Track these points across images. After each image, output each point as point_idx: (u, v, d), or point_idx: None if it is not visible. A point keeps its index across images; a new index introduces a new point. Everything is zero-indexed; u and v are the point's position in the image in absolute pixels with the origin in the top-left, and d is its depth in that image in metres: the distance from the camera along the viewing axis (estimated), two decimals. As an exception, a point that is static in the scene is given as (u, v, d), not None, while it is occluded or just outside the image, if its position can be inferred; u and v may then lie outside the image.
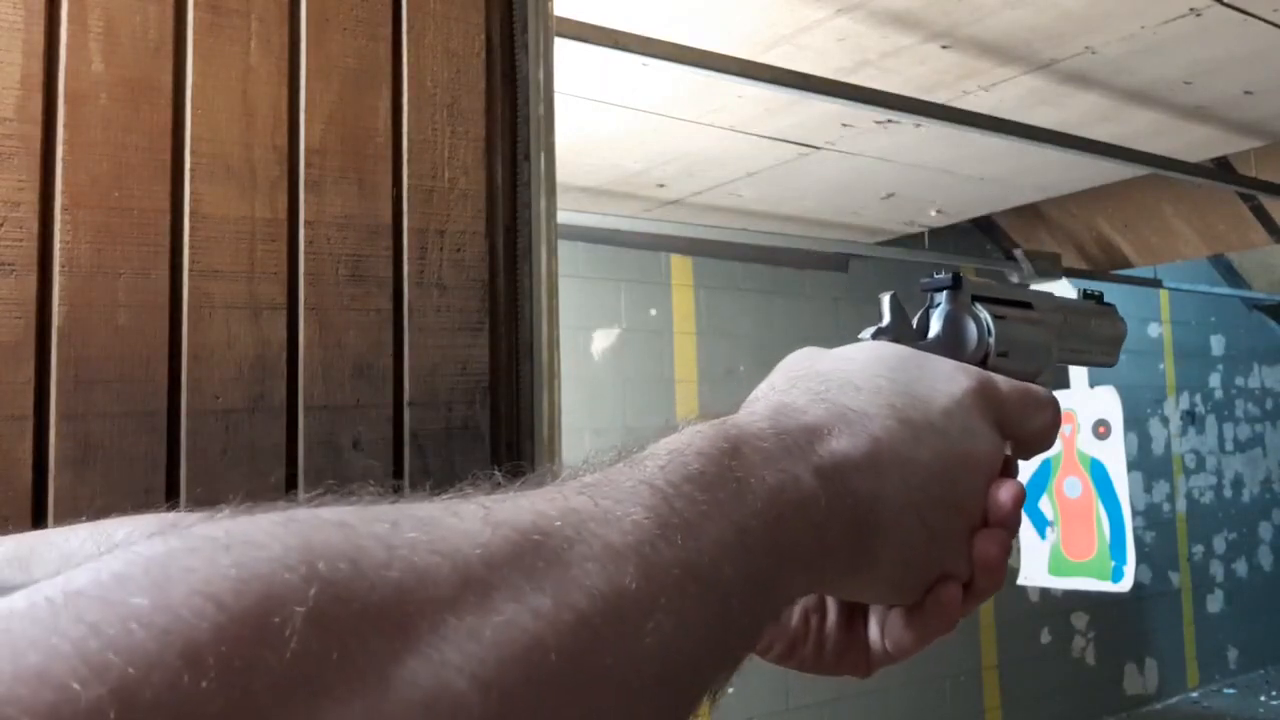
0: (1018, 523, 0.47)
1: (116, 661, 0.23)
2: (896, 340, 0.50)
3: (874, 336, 0.51)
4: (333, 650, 0.26)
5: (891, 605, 0.47)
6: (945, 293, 0.54)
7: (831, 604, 0.49)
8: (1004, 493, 0.46)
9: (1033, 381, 0.56)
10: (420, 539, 0.30)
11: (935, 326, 0.54)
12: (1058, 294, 0.64)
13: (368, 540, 0.29)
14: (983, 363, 0.54)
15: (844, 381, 0.45)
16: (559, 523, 0.32)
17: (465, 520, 0.31)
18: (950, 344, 0.53)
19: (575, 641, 0.30)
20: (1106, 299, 0.67)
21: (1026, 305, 0.58)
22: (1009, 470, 0.48)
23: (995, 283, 0.58)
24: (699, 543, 0.35)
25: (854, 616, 0.49)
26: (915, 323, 0.54)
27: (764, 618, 0.38)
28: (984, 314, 0.55)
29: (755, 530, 0.37)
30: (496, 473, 0.39)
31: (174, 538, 0.27)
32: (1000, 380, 0.49)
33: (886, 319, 0.51)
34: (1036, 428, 0.51)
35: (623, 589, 0.32)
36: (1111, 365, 0.68)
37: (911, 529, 0.43)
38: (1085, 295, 0.66)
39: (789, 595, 0.40)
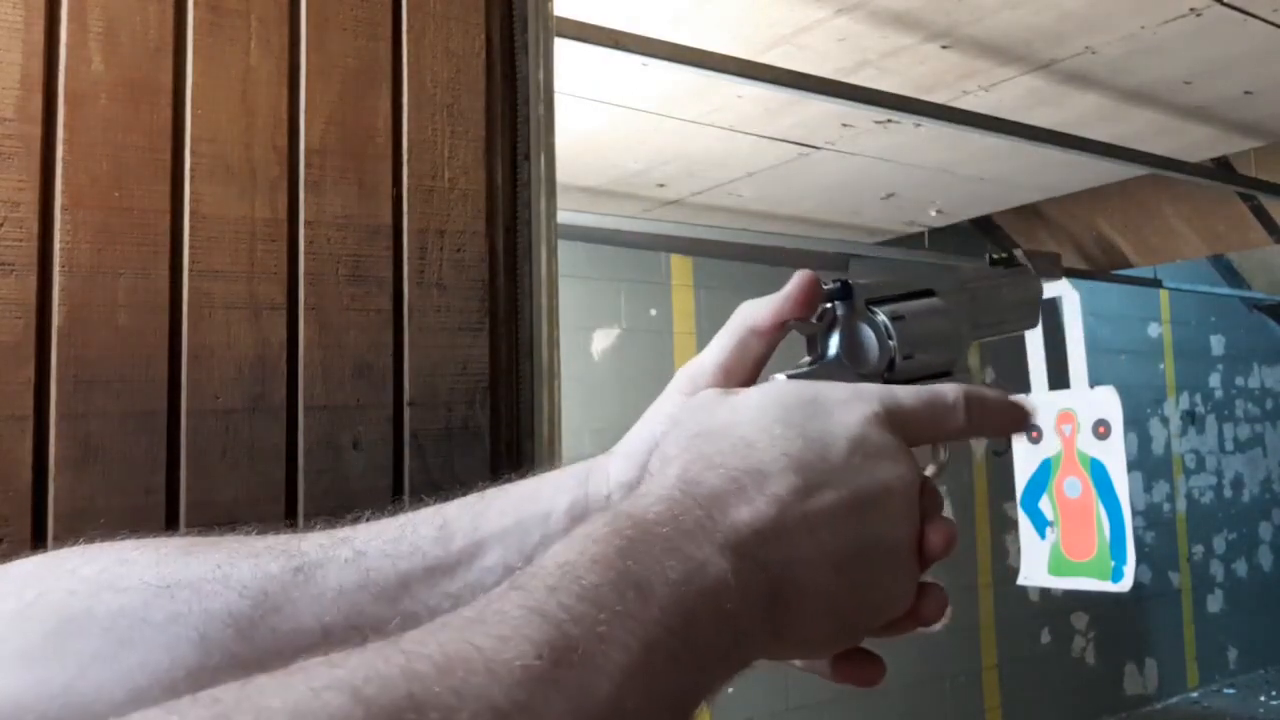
0: (946, 556, 0.45)
1: None
2: (792, 372, 0.48)
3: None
4: None
5: (826, 655, 0.45)
6: (836, 303, 0.51)
7: None
8: (936, 537, 0.44)
9: (947, 369, 0.53)
10: (289, 705, 0.28)
11: (833, 342, 0.51)
12: (961, 269, 0.58)
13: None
14: (889, 367, 0.51)
15: (737, 439, 0.42)
16: (437, 688, 0.30)
17: (333, 704, 0.29)
18: (851, 358, 0.51)
19: None
20: (1019, 257, 0.62)
21: (927, 293, 0.54)
22: (928, 490, 0.46)
23: (888, 279, 0.54)
24: (598, 679, 0.32)
25: None
26: (816, 342, 0.51)
27: (688, 713, 0.36)
28: (881, 317, 0.52)
29: (663, 643, 0.35)
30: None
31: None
32: (902, 395, 0.46)
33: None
34: (953, 428, 0.47)
35: None
36: (1032, 327, 0.63)
37: (830, 584, 0.41)
38: (993, 260, 0.61)
39: (705, 694, 0.38)
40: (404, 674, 0.30)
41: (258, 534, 0.51)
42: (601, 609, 0.34)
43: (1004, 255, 0.62)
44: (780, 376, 0.49)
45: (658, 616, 0.35)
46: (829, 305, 0.51)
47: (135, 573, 0.46)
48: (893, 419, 0.45)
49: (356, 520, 0.51)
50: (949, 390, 0.48)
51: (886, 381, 0.51)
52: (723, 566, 0.38)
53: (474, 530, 0.49)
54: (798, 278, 0.50)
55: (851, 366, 0.50)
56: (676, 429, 0.45)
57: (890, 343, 0.51)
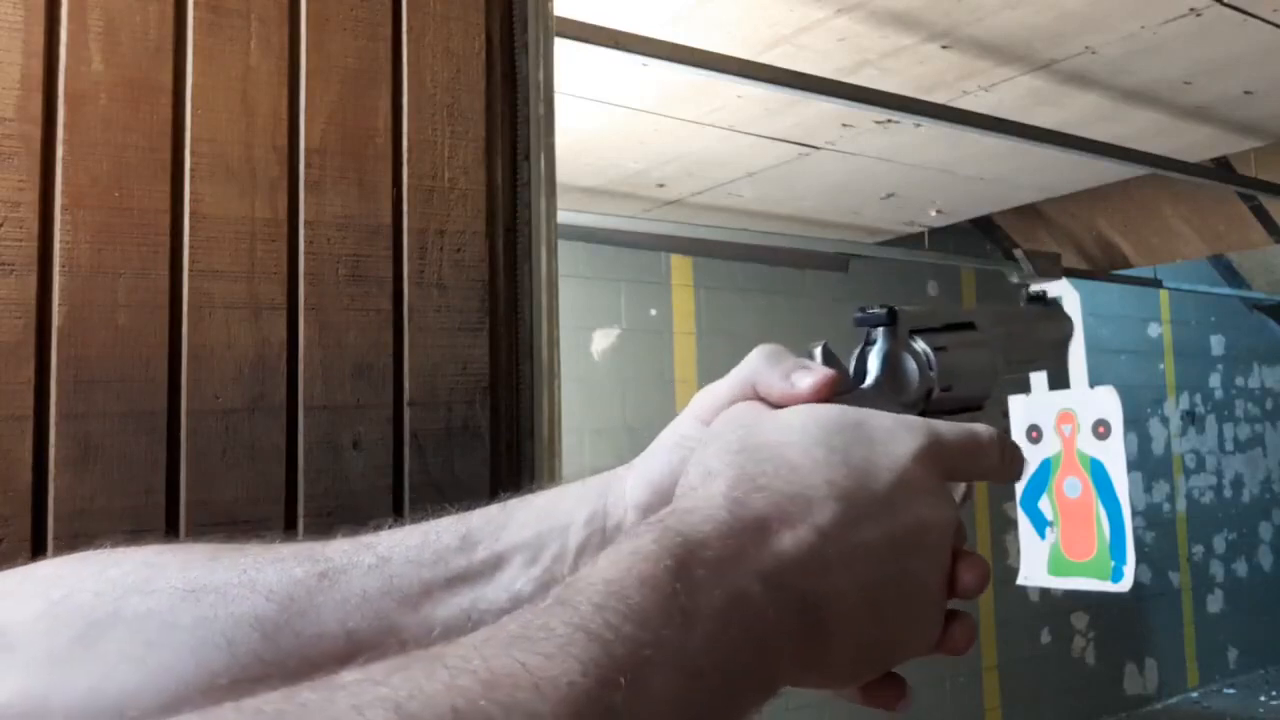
0: (979, 594, 0.45)
1: None
2: (834, 393, 0.48)
3: None
4: None
5: (847, 688, 0.45)
6: (881, 330, 0.51)
7: None
8: (969, 575, 0.44)
9: (980, 403, 0.54)
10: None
11: (873, 368, 0.51)
12: (998, 305, 0.61)
13: None
14: (926, 397, 0.51)
15: (780, 460, 0.42)
16: (483, 703, 0.30)
17: (375, 718, 0.29)
18: (891, 385, 0.51)
19: None
20: (1052, 293, 0.63)
21: (968, 326, 0.55)
22: (961, 534, 0.46)
23: (932, 309, 0.54)
24: (642, 703, 0.32)
25: None
26: (854, 363, 0.51)
27: None
28: (923, 347, 0.52)
29: (705, 671, 0.35)
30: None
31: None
32: (944, 430, 0.46)
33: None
34: (985, 470, 0.48)
35: None
36: (1059, 366, 0.64)
37: (864, 619, 0.41)
38: (1030, 299, 0.62)
39: (743, 713, 0.38)
40: (448, 690, 0.30)
41: (280, 541, 0.51)
42: (647, 631, 0.33)
43: (1041, 293, 0.63)
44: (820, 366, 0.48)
45: (701, 646, 0.35)
46: (876, 328, 0.52)
47: (162, 576, 0.46)
48: (935, 455, 0.45)
49: (379, 527, 0.51)
50: (985, 432, 0.48)
51: (923, 412, 0.51)
52: (763, 597, 0.37)
53: (496, 541, 0.49)
54: (822, 379, 0.48)
55: (891, 394, 0.50)
56: (718, 441, 0.45)
57: (931, 373, 0.52)
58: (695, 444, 0.47)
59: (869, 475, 0.42)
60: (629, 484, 0.50)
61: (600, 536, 0.49)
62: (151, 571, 0.47)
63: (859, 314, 0.52)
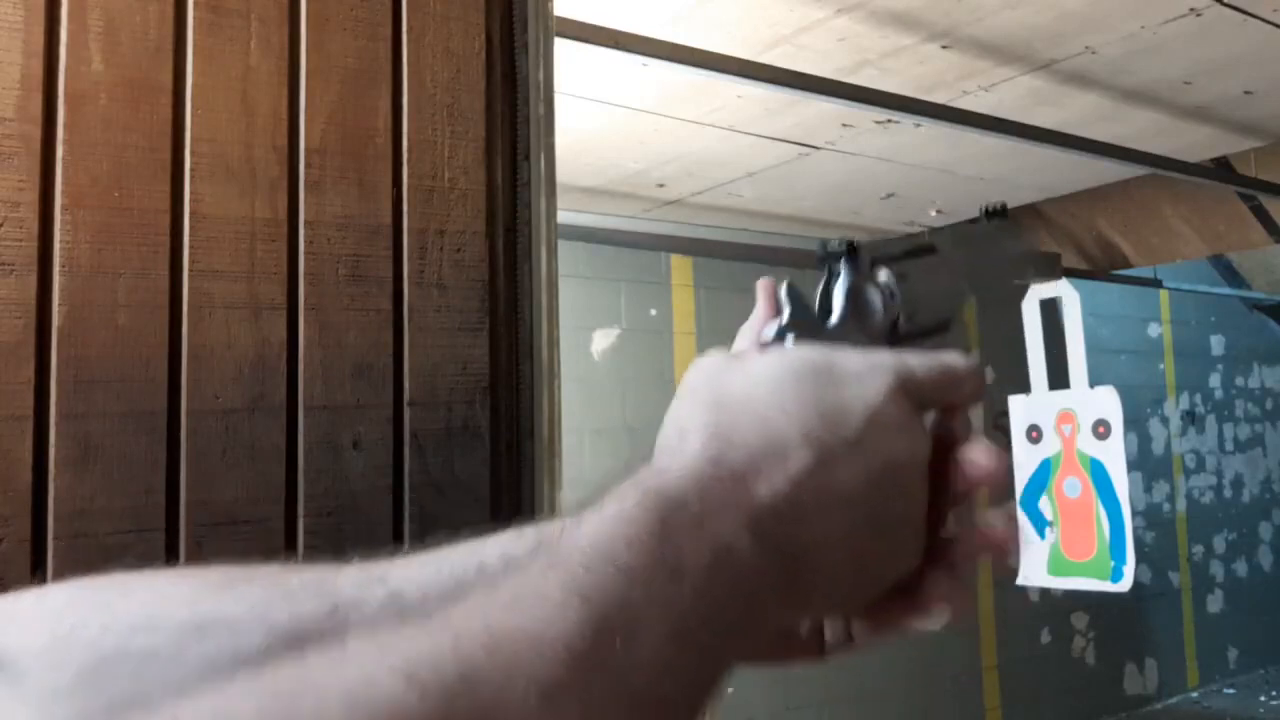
0: (1000, 477, 0.45)
1: None
2: (800, 334, 0.48)
3: (776, 334, 0.49)
4: None
5: (838, 617, 0.47)
6: (843, 263, 0.52)
7: None
8: (979, 454, 0.45)
9: (946, 325, 0.54)
10: (338, 689, 0.30)
11: (838, 304, 0.51)
12: (957, 226, 0.61)
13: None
14: (893, 327, 0.52)
15: (752, 413, 0.43)
16: (487, 668, 0.31)
17: (386, 686, 0.30)
18: (856, 319, 0.51)
19: None
20: (1005, 211, 0.64)
21: (929, 250, 0.55)
22: (959, 434, 0.46)
23: (893, 239, 0.56)
24: (635, 661, 0.34)
25: None
26: (818, 300, 0.52)
27: (704, 696, 0.38)
28: (886, 277, 0.52)
29: (693, 626, 0.36)
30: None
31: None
32: (914, 364, 0.47)
33: (787, 312, 0.49)
34: (960, 399, 0.48)
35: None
36: (1027, 280, 0.65)
37: (843, 559, 0.42)
38: (989, 213, 0.63)
39: (727, 670, 0.40)
40: (454, 654, 0.31)
41: (296, 564, 0.51)
42: (637, 590, 0.35)
43: (999, 208, 0.63)
44: (769, 332, 0.49)
45: (690, 601, 0.36)
46: (836, 261, 0.52)
47: (170, 611, 0.46)
48: (906, 390, 0.45)
49: (394, 554, 0.51)
50: (955, 360, 0.48)
51: (891, 341, 0.51)
52: (746, 549, 0.38)
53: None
54: (760, 287, 0.51)
55: (857, 328, 0.51)
56: (690, 398, 0.45)
57: (894, 302, 0.52)
58: None
59: (840, 420, 0.43)
60: None
61: None
62: (160, 606, 0.47)
63: (820, 251, 0.52)
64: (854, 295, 0.52)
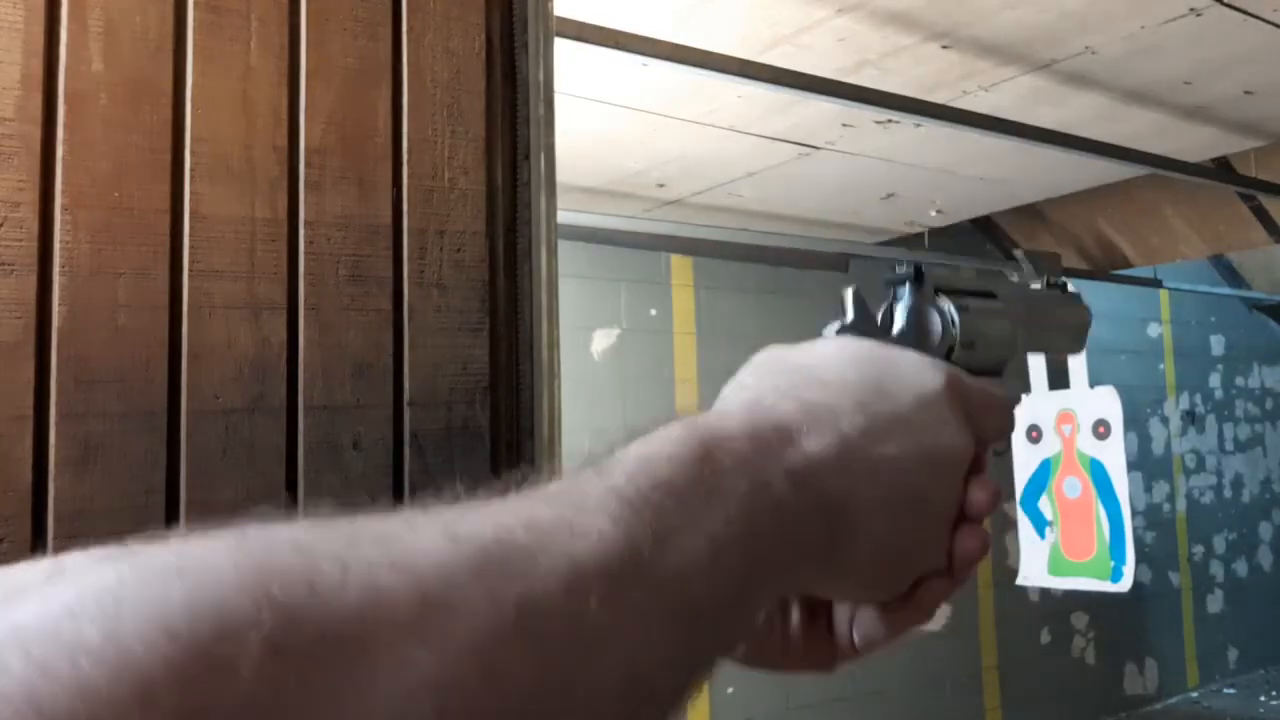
0: (989, 514, 0.47)
1: (64, 701, 0.22)
2: (861, 336, 0.50)
3: (838, 333, 0.50)
4: (289, 679, 0.25)
5: (863, 602, 0.47)
6: (907, 285, 0.54)
7: (794, 602, 0.49)
8: (980, 491, 0.46)
9: (999, 372, 0.56)
10: (378, 557, 0.29)
11: (899, 320, 0.53)
12: (1020, 283, 0.63)
13: (324, 560, 0.29)
14: (948, 355, 0.53)
15: (811, 378, 0.44)
16: (522, 536, 0.32)
17: (424, 535, 0.31)
18: (915, 337, 0.53)
19: (537, 663, 0.30)
20: (1071, 288, 0.66)
21: (989, 295, 0.57)
22: (980, 464, 0.48)
23: (957, 272, 0.57)
24: (667, 558, 0.34)
25: (816, 613, 0.48)
26: (879, 317, 0.53)
27: (735, 630, 0.38)
28: (947, 305, 0.54)
29: (727, 541, 0.36)
30: (459, 488, 0.39)
31: (124, 563, 0.26)
32: (966, 377, 0.49)
33: (850, 315, 0.51)
34: (990, 428, 0.50)
35: (586, 608, 0.31)
36: (1077, 352, 0.67)
37: (883, 528, 0.42)
38: (1050, 285, 0.65)
39: (761, 604, 0.40)
40: (493, 525, 0.32)
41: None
42: (674, 499, 0.35)
43: (1061, 282, 0.65)
44: (830, 330, 0.51)
45: (724, 523, 0.36)
46: (900, 286, 0.54)
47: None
48: (958, 395, 0.47)
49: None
50: (998, 391, 0.51)
51: None
52: (786, 488, 0.39)
53: None
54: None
55: (914, 345, 0.52)
56: (753, 366, 0.47)
57: (953, 330, 0.54)
58: None
59: (896, 400, 0.44)
60: None
61: None
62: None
63: (887, 274, 0.54)
64: (915, 315, 0.53)
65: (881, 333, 0.52)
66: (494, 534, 0.31)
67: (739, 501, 0.37)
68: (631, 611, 0.33)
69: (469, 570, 0.30)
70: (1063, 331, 0.65)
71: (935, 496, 0.44)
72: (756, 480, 0.38)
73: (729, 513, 0.37)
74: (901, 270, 0.54)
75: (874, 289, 0.55)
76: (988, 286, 0.57)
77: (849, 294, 0.51)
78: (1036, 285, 0.64)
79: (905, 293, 0.54)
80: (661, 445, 0.38)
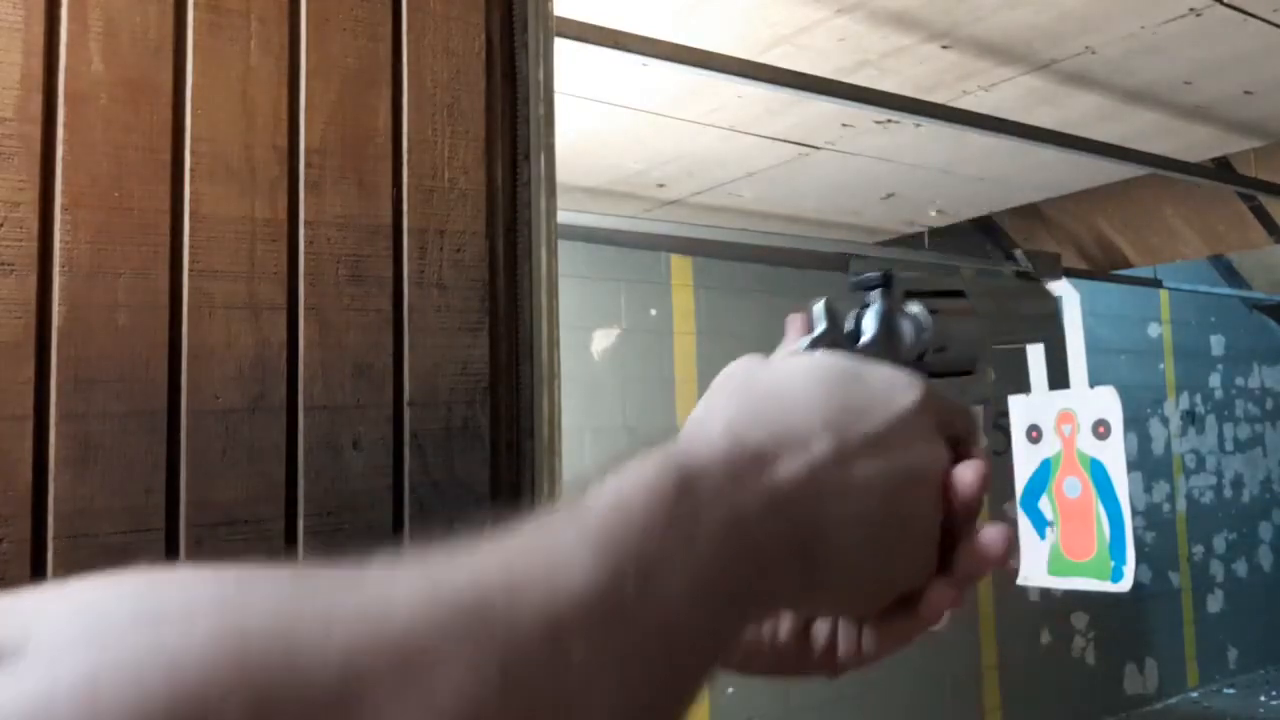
0: (978, 495, 0.47)
1: None
2: (832, 347, 0.50)
3: (809, 347, 0.50)
4: None
5: (845, 618, 0.47)
6: (878, 291, 0.53)
7: (785, 614, 0.49)
8: (968, 473, 0.46)
9: (971, 370, 0.56)
10: (358, 615, 0.30)
11: (870, 327, 0.53)
12: (983, 275, 0.63)
13: (306, 623, 0.29)
14: (919, 359, 0.53)
15: (781, 402, 0.44)
16: (500, 591, 0.32)
17: (403, 591, 0.31)
18: (886, 344, 0.52)
19: (522, 717, 0.30)
20: (1038, 280, 0.66)
21: (959, 294, 0.57)
22: (966, 454, 0.47)
23: (926, 274, 0.57)
24: (648, 600, 0.34)
25: (812, 623, 0.49)
26: (851, 324, 0.53)
27: (713, 662, 0.38)
28: (918, 310, 0.54)
29: (707, 577, 0.36)
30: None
31: (98, 646, 0.27)
32: (937, 386, 0.48)
33: (821, 327, 0.50)
34: (969, 436, 0.49)
35: (569, 660, 0.32)
36: (1043, 341, 0.67)
37: (858, 550, 0.42)
38: (1018, 274, 0.65)
39: (741, 630, 0.40)
40: (470, 579, 0.32)
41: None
42: (652, 544, 0.36)
43: (1026, 270, 0.65)
44: (801, 344, 0.50)
45: (703, 561, 0.37)
46: (870, 292, 0.53)
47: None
48: (929, 406, 0.47)
49: (396, 553, 0.51)
50: (973, 411, 0.50)
51: (916, 370, 0.53)
52: (761, 521, 0.39)
53: None
54: (789, 322, 0.52)
55: (886, 353, 0.52)
56: (720, 390, 0.47)
57: (925, 335, 0.53)
58: None
59: (865, 418, 0.44)
60: None
61: None
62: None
63: (854, 278, 0.54)
64: (886, 321, 0.53)
65: (852, 342, 0.52)
66: (473, 588, 0.32)
67: (716, 538, 0.37)
68: (614, 655, 0.33)
69: (450, 628, 0.31)
70: (1029, 321, 0.65)
71: (911, 512, 0.44)
72: (732, 515, 0.38)
73: (708, 548, 0.37)
74: (870, 275, 0.54)
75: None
76: (957, 286, 0.57)
77: (819, 306, 0.51)
78: (1001, 274, 0.63)
79: (875, 298, 0.53)
80: (635, 483, 0.38)
